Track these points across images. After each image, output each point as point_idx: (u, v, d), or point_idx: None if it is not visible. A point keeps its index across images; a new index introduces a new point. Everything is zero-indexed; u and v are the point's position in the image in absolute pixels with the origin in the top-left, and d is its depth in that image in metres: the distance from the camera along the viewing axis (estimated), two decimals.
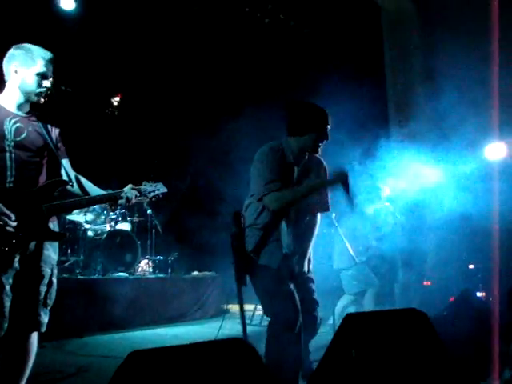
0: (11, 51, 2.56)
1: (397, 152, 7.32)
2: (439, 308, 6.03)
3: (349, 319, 2.16)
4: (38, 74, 2.52)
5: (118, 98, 9.25)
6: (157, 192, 2.77)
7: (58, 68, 2.65)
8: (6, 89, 2.57)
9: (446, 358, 2.26)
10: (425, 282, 6.59)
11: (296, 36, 8.44)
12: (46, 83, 2.55)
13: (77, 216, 6.61)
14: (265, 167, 2.91)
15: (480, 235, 6.58)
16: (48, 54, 2.57)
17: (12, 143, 2.44)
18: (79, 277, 6.00)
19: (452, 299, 6.00)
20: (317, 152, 3.07)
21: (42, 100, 2.58)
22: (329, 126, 3.04)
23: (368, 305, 5.40)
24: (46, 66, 2.54)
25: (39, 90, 2.54)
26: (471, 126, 6.81)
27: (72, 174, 2.71)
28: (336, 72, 8.23)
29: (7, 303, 2.31)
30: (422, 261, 6.25)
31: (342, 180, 2.94)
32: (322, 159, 3.18)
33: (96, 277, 6.12)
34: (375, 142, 6.84)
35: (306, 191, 2.95)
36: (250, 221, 2.98)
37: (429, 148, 7.43)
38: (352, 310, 5.43)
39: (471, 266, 7.02)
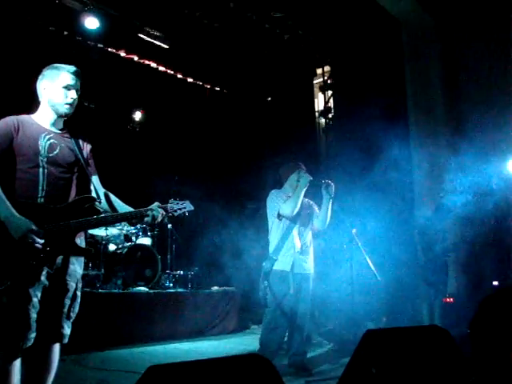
0: (42, 72, 2.67)
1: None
2: (462, 325, 5.93)
3: (369, 335, 2.13)
4: (63, 87, 2.59)
5: (139, 114, 9.36)
6: (183, 210, 2.78)
7: (81, 84, 2.72)
8: (39, 108, 2.67)
9: (469, 376, 2.21)
10: (446, 299, 6.47)
11: (315, 51, 8.49)
12: (72, 94, 2.62)
13: (98, 230, 6.68)
14: (275, 202, 4.45)
15: (505, 251, 6.46)
16: (72, 68, 2.66)
17: (45, 159, 2.51)
18: (100, 291, 6.04)
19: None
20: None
21: (71, 111, 2.64)
22: (302, 169, 4.54)
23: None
24: (70, 78, 2.62)
25: (66, 101, 2.60)
26: (493, 138, 6.74)
27: (101, 190, 2.76)
28: (355, 89, 8.26)
29: (33, 315, 2.35)
30: (444, 277, 6.15)
31: (305, 184, 4.32)
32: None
33: (116, 291, 6.15)
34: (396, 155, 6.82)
35: (294, 196, 4.34)
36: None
37: (449, 161, 7.37)
38: None
39: (495, 283, 6.89)
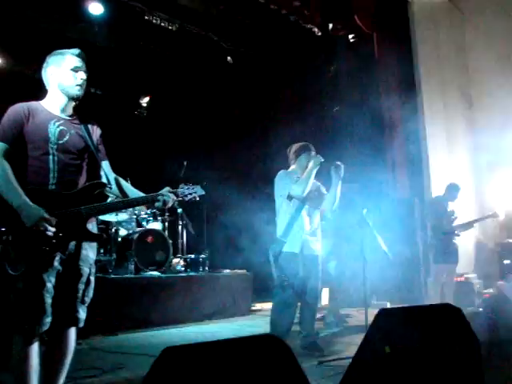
0: (45, 60, 2.66)
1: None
2: (473, 304, 5.94)
3: (382, 315, 2.13)
4: (71, 69, 2.60)
5: (146, 100, 9.35)
6: (194, 195, 2.77)
7: (87, 70, 2.72)
8: (48, 94, 2.67)
9: (480, 355, 2.22)
10: (457, 278, 6.48)
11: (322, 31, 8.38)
12: (81, 75, 2.63)
13: (109, 216, 6.71)
14: (285, 182, 4.41)
15: None
16: (76, 50, 2.66)
17: (55, 146, 2.52)
18: (112, 276, 6.10)
19: (487, 295, 5.89)
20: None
21: (82, 93, 2.64)
22: (312, 151, 4.53)
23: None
24: (76, 60, 2.63)
25: (76, 82, 2.61)
26: (508, 111, 6.69)
27: (111, 175, 2.76)
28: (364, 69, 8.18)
29: (48, 300, 2.39)
30: (455, 256, 6.14)
31: (317, 165, 4.31)
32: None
33: (128, 276, 6.21)
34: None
35: (306, 176, 4.33)
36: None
37: (464, 152, 7.32)
38: None
39: (507, 261, 6.87)
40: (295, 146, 4.66)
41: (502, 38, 7.17)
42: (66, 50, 2.67)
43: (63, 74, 2.60)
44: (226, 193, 7.66)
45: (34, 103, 2.59)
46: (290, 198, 4.38)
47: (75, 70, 2.61)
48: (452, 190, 6.16)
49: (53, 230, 2.35)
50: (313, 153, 4.52)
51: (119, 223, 6.91)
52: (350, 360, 2.08)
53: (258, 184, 8.10)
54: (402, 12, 7.69)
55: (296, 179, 4.40)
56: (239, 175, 9.02)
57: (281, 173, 4.52)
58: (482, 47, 7.50)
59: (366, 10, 7.75)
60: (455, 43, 7.79)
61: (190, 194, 2.76)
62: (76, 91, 2.63)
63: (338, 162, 4.42)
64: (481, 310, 4.16)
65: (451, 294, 5.98)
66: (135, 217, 7.12)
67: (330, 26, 8.01)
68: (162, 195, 2.66)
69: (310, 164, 4.37)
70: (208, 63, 8.76)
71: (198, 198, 2.79)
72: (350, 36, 8.21)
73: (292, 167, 4.61)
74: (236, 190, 7.81)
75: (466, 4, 7.82)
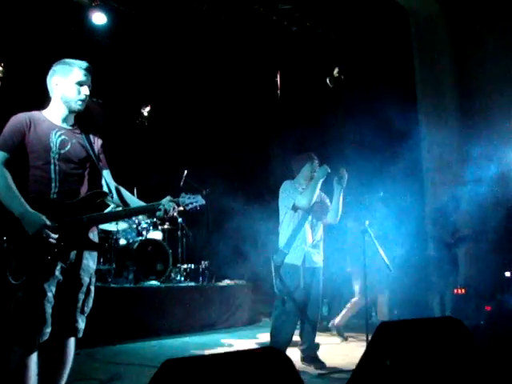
0: (52, 68, 2.67)
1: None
2: (474, 317, 5.90)
3: (383, 327, 2.12)
4: (76, 83, 2.60)
5: (148, 109, 9.36)
6: (195, 204, 2.77)
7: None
8: (50, 104, 2.67)
9: (484, 367, 2.20)
10: (457, 290, 6.44)
11: (323, 43, 8.44)
12: (85, 90, 2.63)
13: (109, 225, 6.70)
14: (290, 193, 4.38)
15: None
16: (84, 64, 2.66)
17: (57, 155, 2.53)
18: (111, 285, 6.08)
19: (488, 308, 5.86)
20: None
21: (83, 107, 2.65)
22: (315, 160, 4.49)
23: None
24: (82, 74, 2.63)
25: (79, 97, 2.61)
26: (503, 126, 6.67)
27: (112, 185, 2.77)
28: (365, 78, 8.20)
29: (49, 309, 2.38)
30: (455, 268, 6.12)
31: (323, 175, 4.29)
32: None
33: (128, 285, 6.18)
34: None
35: (311, 187, 4.29)
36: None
37: (458, 151, 7.31)
38: None
39: (508, 274, 6.84)
40: (298, 157, 4.65)
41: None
42: (74, 62, 2.65)
43: (68, 86, 2.61)
44: (228, 201, 7.65)
45: (35, 113, 2.60)
46: (294, 208, 4.35)
47: (80, 84, 2.62)
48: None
49: (55, 236, 2.35)
50: (316, 162, 4.49)
51: (119, 232, 6.90)
52: (351, 373, 2.06)
53: (260, 192, 8.09)
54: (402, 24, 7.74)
55: (301, 190, 4.38)
56: (242, 184, 9.01)
57: (286, 183, 4.50)
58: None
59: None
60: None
61: (191, 203, 2.76)
62: (78, 106, 2.64)
63: (344, 171, 4.39)
64: (482, 323, 4.15)
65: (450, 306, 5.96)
66: (135, 226, 7.11)
67: None
68: (163, 204, 2.66)
69: (316, 174, 4.35)
70: (205, 71, 8.81)
71: (198, 208, 2.79)
72: None
73: (296, 178, 4.58)
74: (238, 199, 7.80)
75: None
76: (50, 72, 2.67)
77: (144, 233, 7.15)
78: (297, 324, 4.40)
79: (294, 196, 4.33)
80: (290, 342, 4.31)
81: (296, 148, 6.44)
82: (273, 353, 1.59)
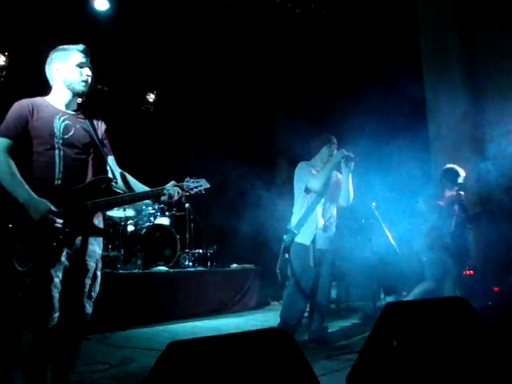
0: (49, 56, 2.66)
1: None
2: (482, 298, 5.88)
3: (390, 308, 2.12)
4: (76, 65, 2.61)
5: (153, 95, 9.34)
6: (199, 188, 2.75)
7: (93, 67, 2.72)
8: (52, 90, 2.67)
9: (492, 346, 2.20)
10: (466, 272, 6.42)
11: (329, 25, 8.34)
12: (87, 71, 2.64)
13: (116, 212, 6.74)
14: (303, 175, 4.37)
15: None
16: (81, 46, 2.67)
17: (61, 140, 2.52)
18: (120, 271, 6.12)
19: (496, 289, 5.83)
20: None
21: (87, 89, 2.64)
22: (334, 143, 4.45)
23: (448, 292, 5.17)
24: (81, 56, 2.64)
25: (82, 79, 2.62)
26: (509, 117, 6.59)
27: (117, 170, 2.77)
28: (371, 62, 8.12)
29: (56, 295, 2.39)
30: (464, 249, 6.09)
31: (338, 160, 4.28)
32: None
33: (137, 271, 6.23)
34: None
35: (325, 171, 4.29)
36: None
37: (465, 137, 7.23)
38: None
39: None
40: (317, 138, 4.60)
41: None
42: (71, 46, 2.66)
43: (69, 69, 2.60)
44: (235, 186, 7.65)
45: (38, 99, 2.59)
46: (307, 190, 4.34)
47: (80, 66, 2.62)
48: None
49: (61, 221, 2.36)
50: (334, 145, 4.47)
51: (127, 218, 6.93)
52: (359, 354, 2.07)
53: (268, 176, 8.08)
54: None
55: (314, 172, 4.36)
56: (249, 167, 9.01)
57: (301, 164, 4.48)
58: None
59: None
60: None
61: (196, 187, 2.75)
62: (81, 87, 2.63)
63: (351, 154, 4.33)
64: (490, 303, 4.14)
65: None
66: (143, 212, 7.14)
67: None
68: (168, 189, 2.66)
69: (332, 158, 4.34)
70: (210, 56, 8.76)
71: (203, 191, 2.78)
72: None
73: (313, 159, 4.55)
74: (246, 183, 7.79)
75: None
76: (48, 60, 2.66)
77: (152, 219, 7.18)
78: (307, 304, 4.40)
79: (307, 178, 4.32)
80: (300, 323, 4.32)
81: (303, 131, 6.39)
82: (277, 334, 1.60)
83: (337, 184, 4.51)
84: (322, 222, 4.35)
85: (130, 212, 6.96)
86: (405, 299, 5.45)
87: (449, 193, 5.07)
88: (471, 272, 6.64)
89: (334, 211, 4.50)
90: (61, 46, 2.67)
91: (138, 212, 7.10)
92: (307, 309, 4.46)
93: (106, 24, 7.66)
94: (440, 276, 5.09)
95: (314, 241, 4.29)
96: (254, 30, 8.49)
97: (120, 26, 7.86)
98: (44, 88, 2.74)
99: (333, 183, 4.46)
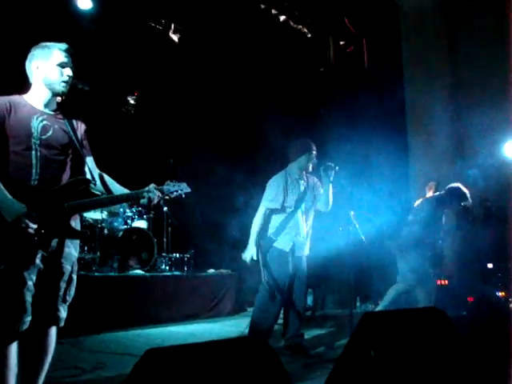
0: (30, 52, 2.61)
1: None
2: (457, 308, 5.96)
3: (367, 318, 2.13)
4: (57, 65, 2.55)
5: (134, 97, 9.27)
6: (180, 192, 2.73)
7: (74, 67, 2.67)
8: (32, 88, 2.61)
9: (467, 357, 2.22)
10: (441, 281, 6.50)
11: (312, 32, 8.40)
12: (68, 71, 2.59)
13: (93, 214, 6.65)
14: (267, 194, 4.38)
15: (500, 234, 6.48)
16: (64, 45, 2.62)
17: (38, 141, 2.46)
18: (96, 274, 6.03)
19: (471, 299, 5.92)
20: (309, 170, 4.48)
21: (67, 89, 2.60)
22: (314, 152, 4.41)
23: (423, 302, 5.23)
24: (63, 56, 2.58)
25: (62, 79, 2.57)
26: (491, 124, 6.70)
27: (96, 172, 2.72)
28: (353, 70, 8.20)
29: (29, 298, 2.33)
30: (439, 259, 6.16)
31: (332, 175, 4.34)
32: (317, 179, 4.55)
33: (112, 274, 6.14)
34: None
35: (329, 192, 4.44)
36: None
37: (447, 148, 7.34)
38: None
39: (490, 265, 6.91)
40: (296, 144, 4.54)
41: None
42: (53, 44, 2.60)
43: (49, 68, 2.55)
44: (214, 190, 7.62)
45: (16, 97, 2.54)
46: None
47: (62, 65, 2.57)
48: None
49: (34, 226, 2.30)
50: (314, 154, 4.43)
51: (104, 221, 6.84)
52: (335, 362, 2.07)
53: (247, 181, 8.06)
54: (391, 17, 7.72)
55: (285, 187, 4.33)
56: (229, 172, 8.98)
57: (277, 178, 4.43)
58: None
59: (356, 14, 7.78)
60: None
61: (176, 190, 2.73)
62: (61, 87, 2.58)
63: (330, 163, 4.35)
64: (464, 313, 4.19)
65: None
66: (120, 215, 7.06)
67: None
68: (148, 192, 2.63)
69: (326, 176, 4.37)
70: (192, 60, 8.73)
71: (183, 196, 2.76)
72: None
73: (290, 165, 4.50)
74: (224, 187, 7.77)
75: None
76: (29, 57, 2.61)
77: (129, 221, 7.10)
78: (281, 309, 4.38)
79: (268, 199, 4.33)
80: (271, 330, 4.29)
81: (286, 136, 6.40)
82: (255, 342, 1.58)
83: (315, 190, 4.51)
84: (304, 230, 4.35)
85: (107, 214, 6.87)
86: (379, 303, 5.49)
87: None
88: (446, 282, 6.72)
89: (312, 217, 4.51)
90: (43, 43, 2.61)
91: (115, 214, 7.02)
92: (281, 315, 4.44)
93: (89, 23, 7.59)
94: (413, 282, 5.17)
95: (292, 248, 4.29)
96: (237, 34, 8.50)
97: (103, 26, 7.79)
98: (23, 86, 2.69)
99: (311, 189, 4.47)
